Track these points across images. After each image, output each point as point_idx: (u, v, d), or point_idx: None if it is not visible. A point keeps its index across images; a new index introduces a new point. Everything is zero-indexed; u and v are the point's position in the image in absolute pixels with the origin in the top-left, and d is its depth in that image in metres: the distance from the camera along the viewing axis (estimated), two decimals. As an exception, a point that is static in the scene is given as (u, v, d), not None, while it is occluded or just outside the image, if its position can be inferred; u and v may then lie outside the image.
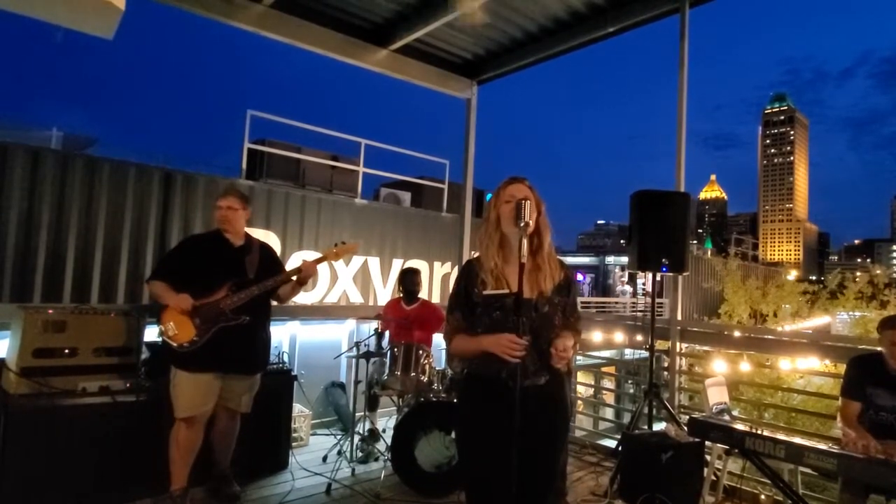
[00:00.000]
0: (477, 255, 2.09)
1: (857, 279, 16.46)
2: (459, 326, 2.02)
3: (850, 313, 16.09)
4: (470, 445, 2.02)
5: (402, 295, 4.86)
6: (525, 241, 1.85)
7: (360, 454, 4.29)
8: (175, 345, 3.11)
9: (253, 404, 3.49)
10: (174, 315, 3.13)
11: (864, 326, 14.81)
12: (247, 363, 3.36)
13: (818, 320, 17.52)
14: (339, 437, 4.59)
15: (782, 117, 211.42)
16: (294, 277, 3.44)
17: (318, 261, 3.52)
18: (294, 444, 4.37)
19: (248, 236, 3.45)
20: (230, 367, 3.25)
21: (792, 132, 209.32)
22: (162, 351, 3.30)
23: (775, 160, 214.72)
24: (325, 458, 4.27)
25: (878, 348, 3.06)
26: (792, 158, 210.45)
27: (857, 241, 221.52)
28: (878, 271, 17.69)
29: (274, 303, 3.55)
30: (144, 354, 3.65)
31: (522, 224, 1.85)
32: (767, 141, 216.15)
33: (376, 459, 4.25)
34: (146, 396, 3.39)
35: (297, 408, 4.54)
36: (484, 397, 1.97)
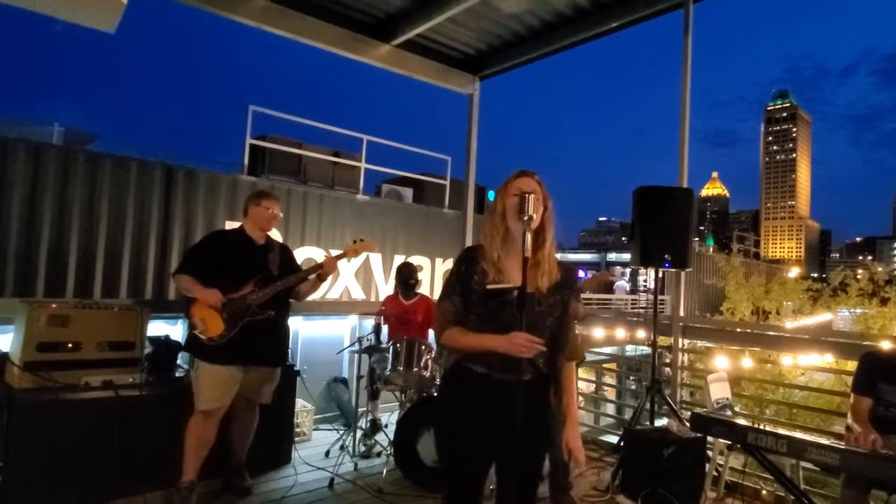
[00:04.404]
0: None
1: (859, 276, 16.43)
2: (457, 313, 1.97)
3: (852, 310, 16.08)
4: (460, 440, 1.99)
5: (399, 290, 4.86)
6: (529, 236, 1.84)
7: (362, 449, 4.30)
8: (205, 338, 3.14)
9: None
10: (202, 309, 3.16)
11: (866, 323, 14.81)
12: (271, 356, 3.44)
13: (820, 317, 17.52)
14: (341, 432, 4.60)
15: (785, 114, 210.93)
16: (314, 274, 3.51)
17: (339, 257, 3.58)
18: (297, 439, 4.38)
19: (268, 236, 3.54)
20: (254, 360, 3.31)
21: (794, 129, 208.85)
22: (187, 344, 3.32)
23: (777, 157, 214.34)
24: (327, 453, 4.28)
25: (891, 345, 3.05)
26: (794, 156, 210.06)
27: (858, 239, 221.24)
28: (880, 269, 17.68)
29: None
30: (147, 349, 3.67)
31: (525, 218, 1.83)
32: (770, 138, 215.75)
33: (379, 454, 4.25)
34: (149, 391, 3.40)
35: (300, 403, 4.55)
36: (475, 392, 1.95)
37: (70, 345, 3.27)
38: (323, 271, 3.49)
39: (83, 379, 3.24)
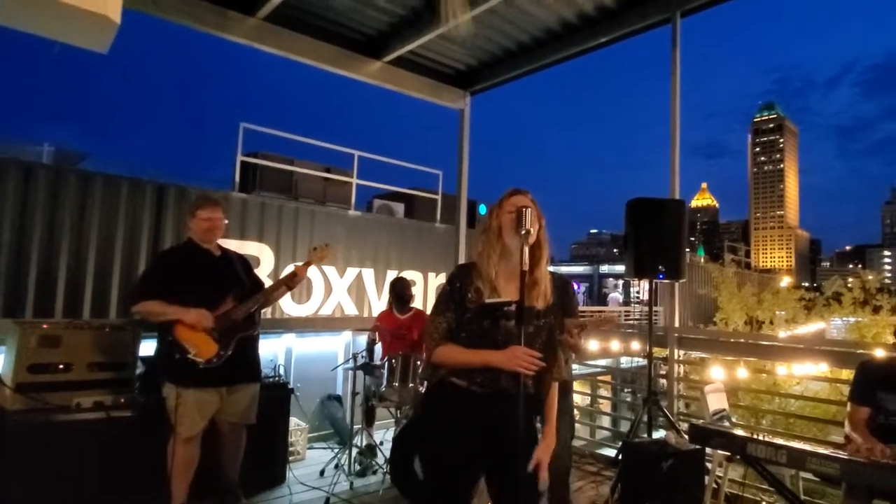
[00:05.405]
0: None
1: (850, 285, 16.55)
2: (450, 329, 1.94)
3: (844, 319, 16.18)
4: (440, 455, 1.97)
5: (393, 304, 4.84)
6: (526, 250, 1.83)
7: (358, 467, 4.25)
8: (202, 361, 3.01)
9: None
10: (188, 332, 3.03)
11: (859, 331, 14.89)
12: (251, 372, 3.35)
13: (813, 326, 17.59)
14: (336, 450, 4.55)
15: (771, 125, 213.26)
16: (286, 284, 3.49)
17: (306, 265, 3.54)
18: (291, 458, 4.33)
19: (221, 247, 3.39)
20: (237, 379, 3.21)
21: (781, 140, 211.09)
22: (164, 369, 3.12)
23: (765, 168, 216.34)
24: (322, 472, 4.23)
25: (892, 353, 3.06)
26: (782, 166, 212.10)
27: (848, 248, 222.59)
28: (870, 277, 17.81)
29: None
30: (139, 369, 3.62)
31: (524, 232, 1.83)
32: (757, 149, 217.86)
33: (375, 472, 4.21)
34: (141, 411, 3.35)
35: (294, 421, 4.50)
36: (456, 406, 1.93)
37: (61, 366, 3.21)
38: (296, 279, 3.46)
39: (75, 400, 3.18)
